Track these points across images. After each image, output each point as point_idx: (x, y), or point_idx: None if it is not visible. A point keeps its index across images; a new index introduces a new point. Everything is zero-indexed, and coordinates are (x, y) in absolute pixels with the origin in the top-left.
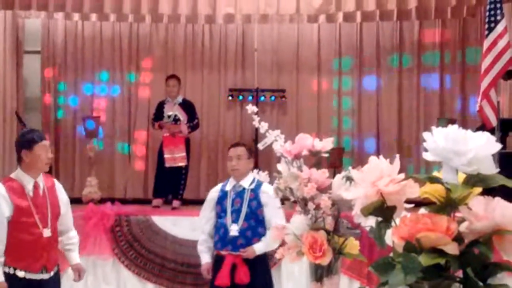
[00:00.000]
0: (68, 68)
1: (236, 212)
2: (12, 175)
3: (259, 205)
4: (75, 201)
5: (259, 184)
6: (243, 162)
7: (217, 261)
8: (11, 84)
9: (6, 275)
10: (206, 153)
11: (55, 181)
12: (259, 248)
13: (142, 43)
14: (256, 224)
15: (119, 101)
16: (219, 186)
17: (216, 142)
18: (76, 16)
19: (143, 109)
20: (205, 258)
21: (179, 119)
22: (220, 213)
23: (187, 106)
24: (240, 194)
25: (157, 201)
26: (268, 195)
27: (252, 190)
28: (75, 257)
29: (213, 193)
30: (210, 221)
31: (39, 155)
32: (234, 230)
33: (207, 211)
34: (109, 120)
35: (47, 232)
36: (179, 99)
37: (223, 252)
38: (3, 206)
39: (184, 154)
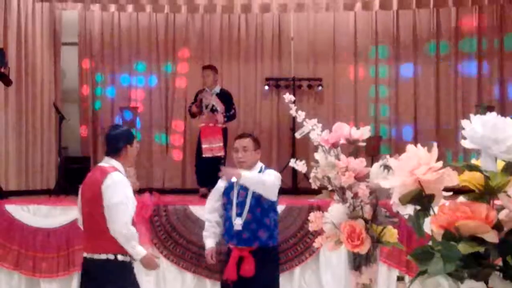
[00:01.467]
0: (105, 59)
1: (241, 205)
2: (108, 165)
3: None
4: None
5: (262, 171)
6: (250, 154)
7: (227, 253)
8: (49, 76)
9: (121, 262)
10: None
11: None
12: (246, 174)
13: (178, 33)
14: (261, 214)
15: (156, 92)
16: None
17: (253, 131)
18: (112, 7)
19: (180, 99)
20: (209, 243)
21: (216, 109)
22: (227, 205)
23: (224, 96)
24: (245, 186)
25: (203, 190)
26: (268, 175)
27: None
28: (209, 242)
29: (221, 183)
30: (215, 211)
31: (135, 150)
32: (238, 224)
33: (213, 201)
34: (146, 111)
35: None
36: (217, 89)
37: (230, 245)
38: (131, 193)
39: (221, 144)
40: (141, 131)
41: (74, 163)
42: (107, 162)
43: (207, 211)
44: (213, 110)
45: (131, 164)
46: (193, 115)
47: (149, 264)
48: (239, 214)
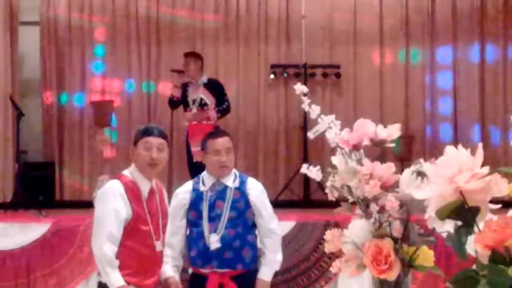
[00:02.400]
0: (73, 42)
1: (216, 219)
2: (127, 173)
3: (247, 206)
4: (83, 205)
5: (243, 181)
6: (232, 156)
7: (195, 282)
8: (5, 63)
9: None
10: (243, 143)
11: (164, 190)
12: (267, 275)
13: (162, 10)
14: (244, 231)
15: (136, 83)
16: (188, 186)
17: (256, 130)
18: None
19: (164, 90)
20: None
21: (205, 104)
22: (196, 220)
23: (214, 87)
24: (221, 194)
25: None
26: (257, 192)
27: (236, 188)
28: (168, 269)
29: (183, 195)
30: (179, 231)
31: (140, 152)
32: (214, 242)
33: (177, 219)
34: (124, 106)
35: (159, 246)
36: (204, 79)
37: (205, 271)
38: (121, 206)
39: None
40: (118, 131)
41: (35, 170)
42: (130, 169)
43: (170, 232)
44: (202, 105)
45: (142, 168)
46: (173, 103)
47: None
48: (214, 230)
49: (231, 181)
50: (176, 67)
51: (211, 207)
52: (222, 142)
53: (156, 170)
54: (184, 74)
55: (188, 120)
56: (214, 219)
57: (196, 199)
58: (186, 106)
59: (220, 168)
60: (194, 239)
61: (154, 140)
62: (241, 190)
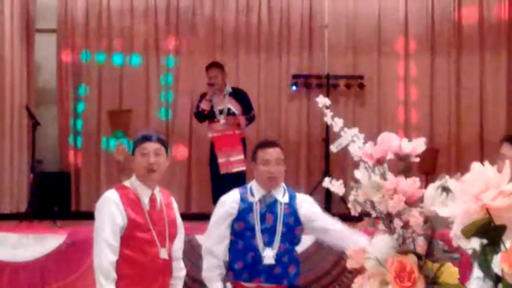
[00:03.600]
0: (91, 51)
1: (269, 232)
2: (127, 183)
3: (297, 223)
4: None
5: (293, 195)
6: (282, 168)
7: None
8: (20, 71)
9: None
10: None
11: (173, 199)
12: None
13: (182, 19)
14: (291, 247)
15: (154, 91)
16: (236, 195)
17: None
18: None
19: (184, 101)
20: None
21: (233, 113)
22: (244, 231)
23: (240, 96)
24: (271, 207)
25: None
26: (307, 203)
27: (286, 204)
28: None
29: (231, 204)
30: (224, 241)
31: (137, 159)
32: (269, 256)
33: (222, 228)
34: (142, 115)
35: (163, 253)
36: (228, 88)
37: (251, 285)
38: (116, 213)
39: (242, 157)
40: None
41: (51, 181)
42: (130, 179)
43: (214, 241)
44: (230, 114)
45: (141, 175)
46: (202, 116)
47: None
48: (268, 244)
49: (281, 195)
50: (199, 77)
51: (262, 219)
52: (272, 152)
53: (155, 176)
54: (214, 87)
55: (216, 131)
56: (264, 232)
57: (245, 209)
58: (213, 117)
59: (268, 179)
60: (240, 251)
61: (151, 146)
62: (291, 206)
